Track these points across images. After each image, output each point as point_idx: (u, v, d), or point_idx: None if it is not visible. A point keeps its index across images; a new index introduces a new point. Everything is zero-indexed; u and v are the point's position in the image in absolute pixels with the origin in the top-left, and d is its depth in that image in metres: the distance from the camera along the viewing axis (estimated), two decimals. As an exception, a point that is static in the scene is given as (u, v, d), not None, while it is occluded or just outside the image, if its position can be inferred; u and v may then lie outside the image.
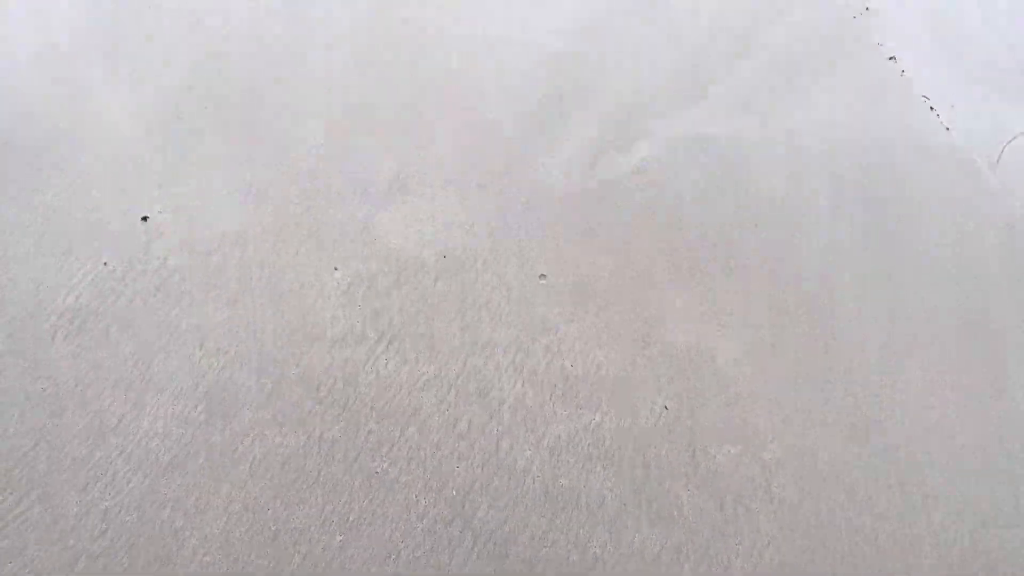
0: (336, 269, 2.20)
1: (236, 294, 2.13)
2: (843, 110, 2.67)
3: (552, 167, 2.50)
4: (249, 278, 2.16)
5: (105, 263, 2.14)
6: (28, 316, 2.04)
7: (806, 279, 2.25)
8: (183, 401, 1.93)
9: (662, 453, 1.92)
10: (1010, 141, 2.57)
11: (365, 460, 1.88)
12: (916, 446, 1.95)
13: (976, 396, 2.04)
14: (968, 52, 2.85)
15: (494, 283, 2.21)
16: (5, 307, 2.05)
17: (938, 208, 2.42)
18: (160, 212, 2.26)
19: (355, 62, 2.73)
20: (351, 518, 1.80)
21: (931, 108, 2.67)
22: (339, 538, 1.77)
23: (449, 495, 1.84)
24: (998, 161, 2.52)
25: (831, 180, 2.47)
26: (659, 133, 2.59)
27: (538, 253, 2.30)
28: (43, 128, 2.44)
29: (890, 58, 2.80)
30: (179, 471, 1.83)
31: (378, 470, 1.86)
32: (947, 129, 2.61)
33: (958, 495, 1.89)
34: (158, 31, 2.75)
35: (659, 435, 1.94)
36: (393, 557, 1.75)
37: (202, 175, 2.37)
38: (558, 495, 1.85)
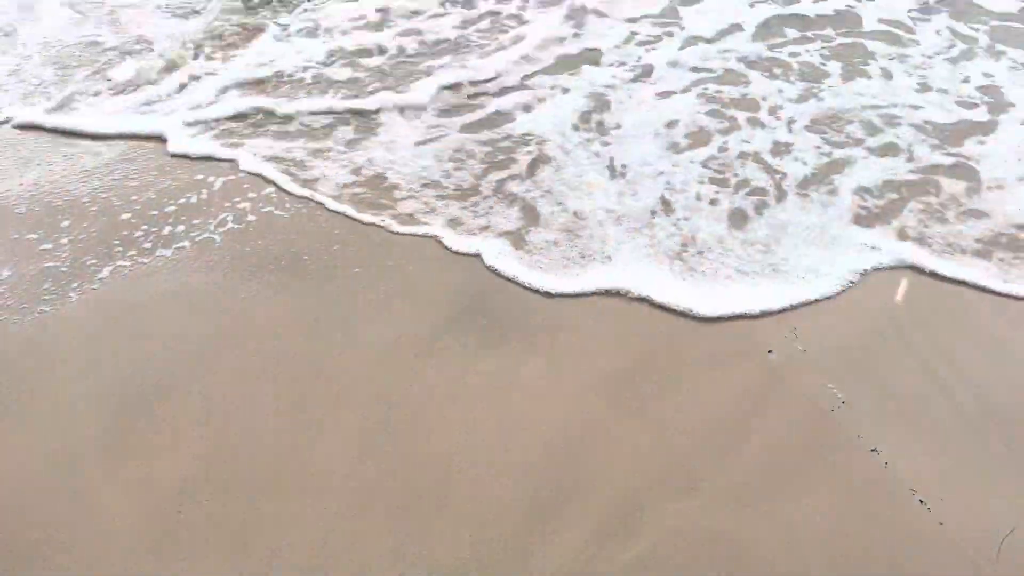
0: None
1: None
2: (835, 505, 2.69)
3: (550, 561, 2.47)
4: None
5: None
6: None
7: None
8: None
9: None
10: (1007, 536, 2.57)
11: None
12: None
13: None
14: (948, 439, 2.94)
15: None
16: None
17: (948, 611, 2.35)
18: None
19: (356, 457, 2.81)
20: None
21: (920, 501, 2.70)
22: None
23: None
24: (998, 557, 2.50)
25: (834, 578, 2.44)
26: (656, 527, 2.60)
27: (537, 660, 2.18)
28: (32, 532, 2.45)
29: (872, 450, 2.89)
30: None
31: None
32: (940, 524, 2.62)
33: None
34: (162, 427, 2.89)
35: None
36: None
37: (194, 576, 2.33)
38: None
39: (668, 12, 6.08)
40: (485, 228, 3.91)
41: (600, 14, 5.99)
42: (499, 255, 3.74)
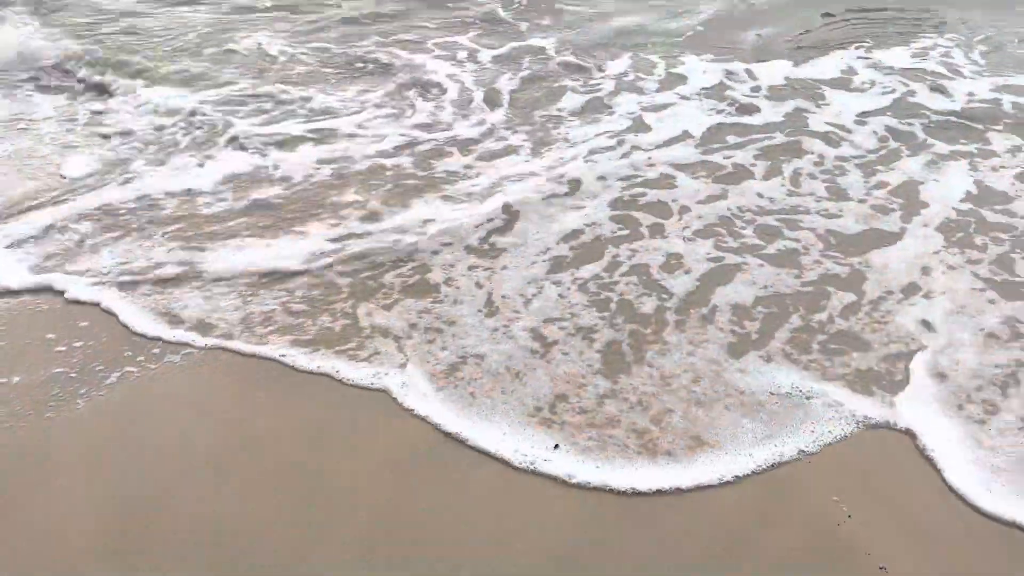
0: None
1: None
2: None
3: None
4: None
5: None
6: None
7: None
8: None
9: None
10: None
11: None
12: None
13: None
14: (954, 560, 2.81)
15: None
16: None
17: None
18: None
19: (360, 561, 2.78)
20: None
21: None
22: None
23: None
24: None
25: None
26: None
27: None
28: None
29: (881, 567, 2.76)
30: None
31: None
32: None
33: None
34: (163, 539, 2.86)
35: None
36: None
37: None
38: None
39: (636, 121, 6.11)
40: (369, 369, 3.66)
41: (567, 141, 5.87)
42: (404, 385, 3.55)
